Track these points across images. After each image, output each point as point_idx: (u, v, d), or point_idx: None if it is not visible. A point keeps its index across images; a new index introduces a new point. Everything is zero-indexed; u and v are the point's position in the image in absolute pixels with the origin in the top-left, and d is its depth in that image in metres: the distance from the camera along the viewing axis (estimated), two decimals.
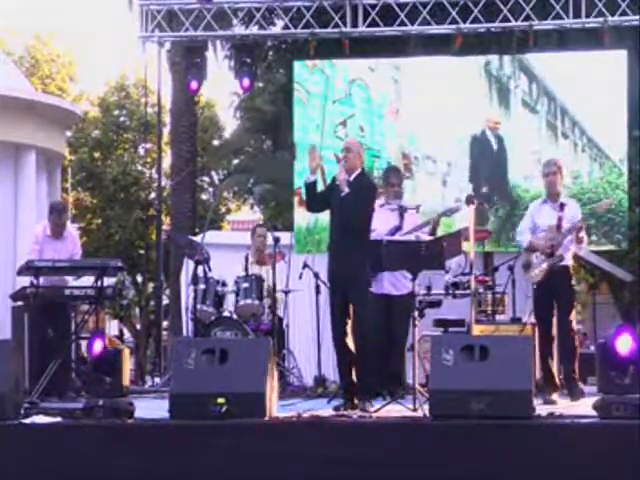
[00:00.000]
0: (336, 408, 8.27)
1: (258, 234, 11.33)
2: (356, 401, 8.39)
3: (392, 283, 9.71)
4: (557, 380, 9.47)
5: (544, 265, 9.36)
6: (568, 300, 9.45)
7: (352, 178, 8.56)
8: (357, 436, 7.09)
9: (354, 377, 8.46)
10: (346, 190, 8.46)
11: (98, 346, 7.60)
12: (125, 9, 16.85)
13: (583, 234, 9.47)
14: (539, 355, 9.55)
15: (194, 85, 13.58)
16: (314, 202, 8.79)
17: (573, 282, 9.55)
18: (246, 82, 13.66)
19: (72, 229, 11.10)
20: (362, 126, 12.69)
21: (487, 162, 12.71)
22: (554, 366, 9.52)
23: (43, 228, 10.41)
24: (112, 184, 28.52)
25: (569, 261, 9.51)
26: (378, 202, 9.87)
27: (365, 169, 8.94)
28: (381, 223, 9.59)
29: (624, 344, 7.09)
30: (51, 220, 10.37)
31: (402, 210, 10.09)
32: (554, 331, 9.44)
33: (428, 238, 9.78)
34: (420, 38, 13.45)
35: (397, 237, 9.64)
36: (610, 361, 7.17)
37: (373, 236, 8.95)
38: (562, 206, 9.53)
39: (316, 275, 10.80)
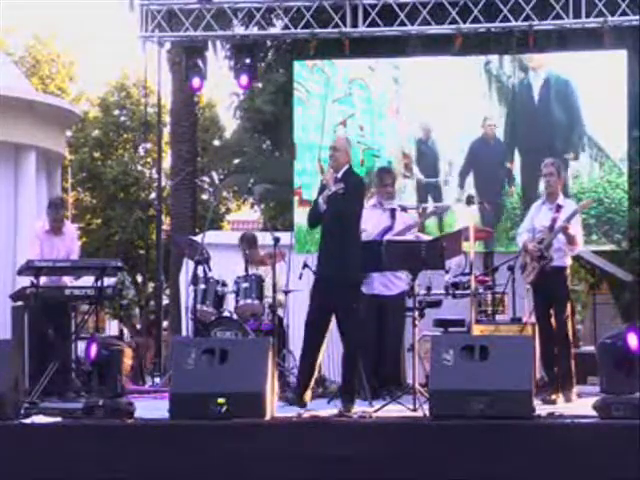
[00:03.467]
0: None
1: (242, 247, 11.10)
2: (356, 401, 8.40)
3: (383, 284, 9.71)
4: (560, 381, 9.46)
5: (535, 265, 9.37)
6: (562, 302, 9.40)
7: (340, 175, 8.58)
8: (357, 436, 7.09)
9: (354, 377, 8.47)
10: (333, 188, 8.48)
11: (93, 351, 7.62)
12: (125, 9, 16.90)
13: (574, 233, 9.34)
14: (541, 356, 9.54)
15: (196, 83, 13.44)
16: (317, 219, 8.78)
17: (568, 283, 9.50)
18: (244, 80, 13.58)
19: (72, 227, 11.10)
20: (362, 126, 12.67)
21: (527, 117, 12.47)
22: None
23: (42, 224, 10.44)
24: (112, 184, 28.51)
25: (563, 262, 9.44)
26: (370, 203, 9.88)
27: (352, 165, 8.85)
28: (372, 224, 9.58)
29: (632, 345, 7.10)
30: (49, 215, 10.38)
31: (400, 210, 10.09)
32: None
33: (428, 238, 9.80)
34: (420, 38, 13.43)
35: (395, 237, 9.64)
36: (613, 361, 7.19)
37: (363, 237, 8.91)
38: (559, 207, 9.50)
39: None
